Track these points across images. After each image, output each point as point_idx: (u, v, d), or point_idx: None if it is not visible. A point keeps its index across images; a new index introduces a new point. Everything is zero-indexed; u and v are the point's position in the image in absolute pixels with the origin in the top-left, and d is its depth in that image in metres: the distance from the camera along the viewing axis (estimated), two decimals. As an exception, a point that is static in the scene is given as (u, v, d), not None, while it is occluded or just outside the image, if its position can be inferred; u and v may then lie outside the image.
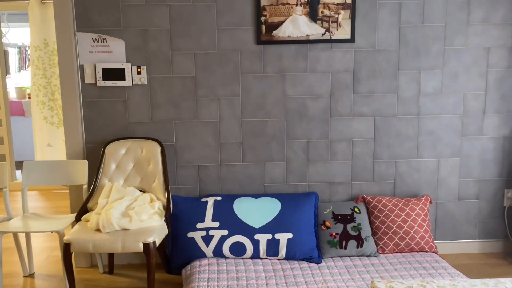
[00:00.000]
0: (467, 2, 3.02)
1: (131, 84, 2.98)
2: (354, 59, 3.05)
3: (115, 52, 2.95)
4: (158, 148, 2.92)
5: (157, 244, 2.49)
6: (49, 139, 5.33)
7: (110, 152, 2.91)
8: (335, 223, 2.98)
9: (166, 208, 2.73)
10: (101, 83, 2.95)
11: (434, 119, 3.15)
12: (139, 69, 2.97)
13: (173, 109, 3.04)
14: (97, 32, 2.92)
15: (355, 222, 2.98)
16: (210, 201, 3.01)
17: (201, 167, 3.12)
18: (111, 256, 2.97)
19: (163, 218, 2.66)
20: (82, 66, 2.96)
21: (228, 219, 2.92)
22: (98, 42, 2.93)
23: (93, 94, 2.99)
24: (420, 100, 3.12)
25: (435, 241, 3.24)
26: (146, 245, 2.40)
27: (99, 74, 2.94)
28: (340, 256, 2.91)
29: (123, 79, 2.95)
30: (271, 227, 2.91)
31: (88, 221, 2.60)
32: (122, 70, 2.94)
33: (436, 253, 2.98)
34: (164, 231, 2.64)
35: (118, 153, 2.92)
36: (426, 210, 3.07)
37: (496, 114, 3.15)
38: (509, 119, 3.16)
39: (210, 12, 2.95)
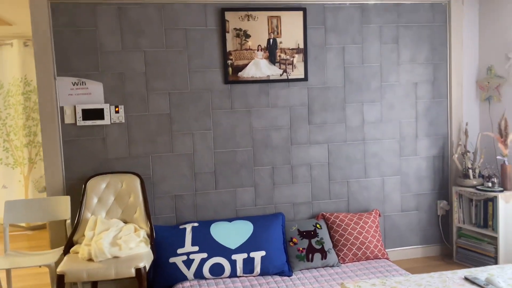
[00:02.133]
0: (397, 46, 3.64)
1: (109, 123, 3.21)
2: (308, 95, 3.53)
3: (94, 94, 3.18)
4: (137, 181, 3.15)
5: (147, 269, 2.70)
6: (4, 180, 5.26)
7: (91, 187, 3.09)
8: (301, 239, 3.36)
9: (150, 236, 2.95)
10: (81, 123, 3.15)
11: (377, 143, 3.69)
12: (117, 109, 3.22)
13: (149, 144, 3.30)
14: (77, 76, 3.15)
15: (318, 237, 3.38)
16: (188, 227, 3.26)
17: (177, 197, 3.38)
18: (94, 284, 3.09)
19: (149, 245, 2.88)
20: (62, 108, 3.15)
21: (207, 243, 3.19)
22: (77, 85, 3.15)
23: (72, 133, 3.18)
24: (364, 128, 3.66)
25: (385, 249, 3.71)
26: (137, 270, 2.61)
27: (79, 114, 3.15)
28: (307, 268, 3.27)
29: (102, 118, 3.18)
30: (246, 247, 3.22)
31: (77, 253, 2.75)
32: (101, 110, 3.18)
33: (388, 259, 3.45)
34: (151, 257, 2.86)
35: (99, 188, 3.10)
36: (377, 223, 3.55)
37: (426, 138, 3.77)
38: (436, 141, 3.78)
39: (182, 56, 3.30)
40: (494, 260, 3.36)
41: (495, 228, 3.36)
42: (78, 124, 3.15)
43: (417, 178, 3.78)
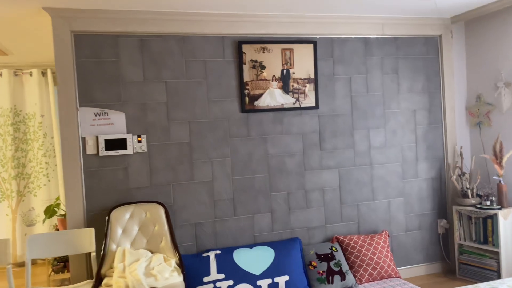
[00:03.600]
0: (397, 76, 3.92)
1: (132, 152, 3.21)
2: (319, 122, 3.70)
3: (116, 124, 3.18)
4: (161, 210, 3.15)
5: (183, 298, 2.69)
6: (-10, 214, 5.01)
7: (115, 218, 3.06)
8: (320, 262, 3.45)
9: (180, 265, 2.94)
10: (103, 153, 3.14)
11: (382, 167, 3.90)
12: (139, 138, 3.23)
13: (170, 173, 3.32)
14: (99, 107, 3.15)
15: (336, 259, 3.49)
16: (211, 255, 3.27)
17: (197, 224, 3.39)
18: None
19: (181, 275, 2.87)
20: (84, 138, 3.12)
21: (231, 270, 3.21)
22: (99, 115, 3.15)
23: (94, 164, 3.15)
24: (371, 152, 3.86)
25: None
26: (176, 300, 2.59)
27: (102, 145, 3.13)
28: (328, 291, 3.36)
29: (125, 148, 3.18)
30: (269, 272, 3.27)
31: (109, 286, 2.70)
32: (124, 140, 3.18)
33: (400, 277, 3.60)
34: (183, 286, 2.84)
35: (123, 218, 3.07)
36: (387, 243, 3.72)
37: (425, 161, 4.02)
38: (434, 164, 4.05)
39: (202, 87, 3.39)
40: (497, 274, 3.59)
41: (496, 244, 3.61)
42: (100, 154, 3.13)
43: (419, 199, 4.01)
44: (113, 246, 2.98)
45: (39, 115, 4.95)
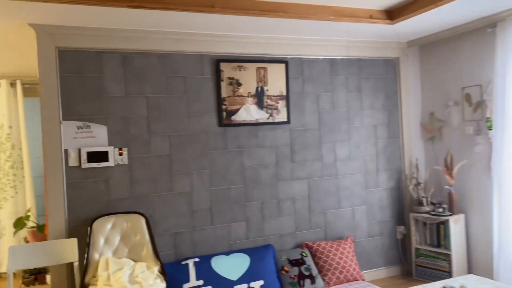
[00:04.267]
0: (360, 95, 4.28)
1: (113, 165, 3.32)
2: (290, 136, 3.97)
3: (98, 137, 3.29)
4: (143, 220, 3.27)
5: (168, 304, 2.82)
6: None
7: (97, 228, 3.14)
8: (292, 267, 3.69)
9: (162, 272, 3.07)
10: (85, 165, 3.22)
11: (347, 178, 4.21)
12: (120, 151, 3.35)
13: (151, 184, 3.45)
14: (82, 120, 3.24)
15: (306, 264, 3.74)
16: (190, 263, 3.42)
17: (176, 234, 3.53)
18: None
19: (164, 282, 3.00)
20: (66, 151, 3.20)
21: (210, 276, 3.37)
22: (82, 128, 3.24)
23: (76, 175, 3.22)
24: (337, 164, 4.17)
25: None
26: (162, 306, 2.73)
27: (84, 157, 3.22)
28: (299, 294, 3.59)
29: (107, 160, 3.29)
30: (245, 277, 3.46)
31: (95, 294, 2.78)
32: (106, 152, 3.29)
33: (364, 280, 3.90)
34: (166, 292, 2.98)
35: (105, 228, 3.17)
36: (352, 248, 4.02)
37: (385, 172, 4.39)
38: (393, 174, 4.43)
39: (182, 102, 3.56)
40: (449, 274, 3.98)
41: (447, 247, 4.00)
42: (82, 166, 3.22)
43: (379, 207, 4.36)
44: (96, 256, 3.06)
45: (7, 126, 4.89)
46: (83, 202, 3.24)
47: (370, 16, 3.37)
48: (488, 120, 3.79)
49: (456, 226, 3.99)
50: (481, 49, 3.85)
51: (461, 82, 4.07)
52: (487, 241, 3.87)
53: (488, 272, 3.85)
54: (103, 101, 3.32)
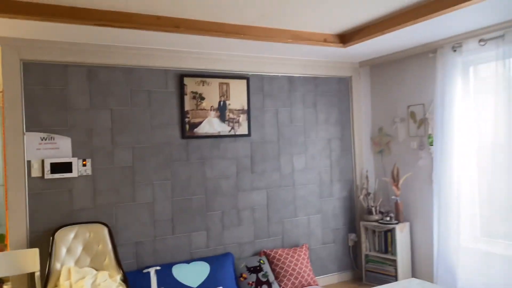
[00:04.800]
0: (315, 110, 4.56)
1: (77, 175, 3.38)
2: (251, 148, 4.18)
3: (62, 148, 3.34)
4: (105, 230, 3.35)
5: (130, 311, 2.92)
6: None
7: (59, 238, 3.19)
8: (250, 274, 3.87)
9: (124, 280, 3.17)
10: (48, 176, 3.27)
11: (304, 188, 4.47)
12: (84, 162, 3.42)
13: (114, 195, 3.54)
14: (45, 131, 3.29)
15: (263, 271, 3.94)
16: (152, 271, 3.52)
17: (138, 243, 3.63)
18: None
19: (126, 289, 3.10)
20: (29, 162, 3.24)
21: (171, 284, 3.50)
22: (46, 140, 3.29)
23: (39, 186, 3.26)
24: (294, 175, 4.42)
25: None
26: (124, 313, 2.83)
27: (47, 168, 3.27)
28: (257, 299, 3.78)
29: (70, 171, 3.35)
30: (205, 285, 3.61)
31: (57, 303, 2.84)
32: (70, 163, 3.35)
33: (317, 285, 4.15)
34: (128, 300, 3.07)
35: (68, 238, 3.22)
36: (307, 255, 4.26)
37: (338, 182, 4.68)
38: (345, 185, 4.73)
39: (145, 114, 3.69)
40: (395, 278, 4.30)
41: (394, 253, 4.33)
42: (45, 177, 3.26)
43: (333, 215, 4.64)
44: (58, 265, 3.12)
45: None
46: (46, 212, 3.28)
47: (325, 40, 3.66)
48: (429, 136, 4.17)
49: (402, 233, 4.33)
50: (424, 72, 4.24)
51: (406, 100, 4.44)
52: (428, 247, 4.23)
53: (429, 276, 4.21)
54: (68, 113, 3.39)
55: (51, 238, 3.18)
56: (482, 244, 3.71)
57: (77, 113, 3.41)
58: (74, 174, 3.36)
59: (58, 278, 3.04)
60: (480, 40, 3.55)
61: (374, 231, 4.53)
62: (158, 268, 3.56)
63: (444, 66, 3.87)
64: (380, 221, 4.44)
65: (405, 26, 3.25)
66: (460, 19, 3.21)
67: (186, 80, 3.84)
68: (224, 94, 4.02)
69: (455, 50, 3.77)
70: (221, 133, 4.01)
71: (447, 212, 3.90)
